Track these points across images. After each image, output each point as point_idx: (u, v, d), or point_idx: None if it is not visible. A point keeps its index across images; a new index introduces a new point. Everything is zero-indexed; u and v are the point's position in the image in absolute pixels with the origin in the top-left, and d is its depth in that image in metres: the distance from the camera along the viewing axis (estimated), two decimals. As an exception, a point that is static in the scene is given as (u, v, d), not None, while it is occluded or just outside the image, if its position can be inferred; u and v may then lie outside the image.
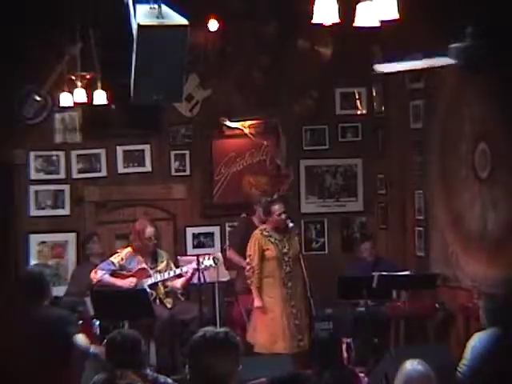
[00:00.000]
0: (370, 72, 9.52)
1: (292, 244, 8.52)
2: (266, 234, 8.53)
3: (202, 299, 8.29)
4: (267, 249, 8.47)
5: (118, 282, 8.51)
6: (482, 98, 8.24)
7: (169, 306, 8.63)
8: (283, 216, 8.45)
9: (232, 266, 9.03)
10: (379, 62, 8.99)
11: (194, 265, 8.24)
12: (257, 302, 8.43)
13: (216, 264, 8.26)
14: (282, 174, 10.26)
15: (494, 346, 5.99)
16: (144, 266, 8.62)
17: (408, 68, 7.63)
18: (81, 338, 6.18)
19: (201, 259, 8.21)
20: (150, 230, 8.66)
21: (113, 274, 8.57)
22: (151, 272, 8.58)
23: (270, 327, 8.44)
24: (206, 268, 8.22)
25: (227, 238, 9.89)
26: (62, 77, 9.30)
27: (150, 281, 8.50)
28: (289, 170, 10.32)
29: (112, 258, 8.67)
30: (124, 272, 8.58)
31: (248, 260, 8.46)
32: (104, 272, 8.54)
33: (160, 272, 8.60)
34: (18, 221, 9.90)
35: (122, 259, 8.63)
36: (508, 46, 7.00)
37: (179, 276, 8.53)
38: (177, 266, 8.71)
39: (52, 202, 10.03)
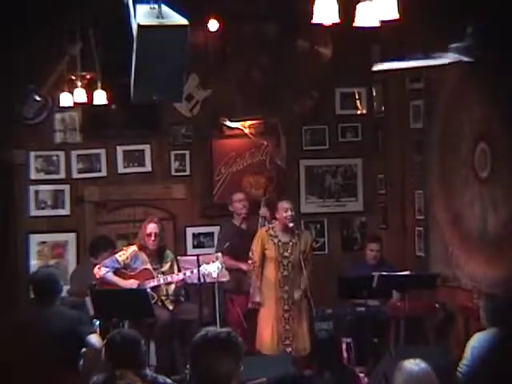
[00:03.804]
0: (370, 72, 9.53)
1: (297, 248, 8.49)
2: (271, 233, 8.57)
3: (202, 299, 8.29)
4: (267, 249, 8.53)
5: (120, 282, 8.51)
6: (482, 98, 8.23)
7: (170, 307, 8.63)
8: (289, 213, 8.45)
9: (227, 270, 9.00)
10: (379, 62, 8.99)
11: (196, 271, 8.24)
12: (255, 297, 8.54)
13: (220, 270, 8.27)
14: (266, 176, 10.23)
15: (494, 346, 5.99)
16: (148, 266, 8.62)
17: (408, 66, 7.63)
18: (95, 338, 6.18)
19: (204, 265, 8.21)
20: (151, 226, 8.67)
21: (116, 272, 8.58)
22: (155, 273, 8.58)
23: (259, 327, 8.51)
24: (210, 274, 8.22)
25: (215, 246, 9.80)
26: (62, 77, 9.30)
27: (151, 283, 8.49)
28: (272, 174, 10.30)
29: (117, 256, 8.67)
30: (127, 271, 8.59)
31: (251, 254, 8.61)
32: (108, 269, 8.55)
33: (164, 273, 8.61)
34: (17, 221, 9.90)
35: (128, 258, 8.62)
36: (508, 45, 7.00)
37: (182, 280, 8.53)
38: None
39: (52, 201, 10.03)
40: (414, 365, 4.68)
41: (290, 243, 8.52)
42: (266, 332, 8.49)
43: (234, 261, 8.96)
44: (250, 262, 8.65)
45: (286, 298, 8.52)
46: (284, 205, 8.52)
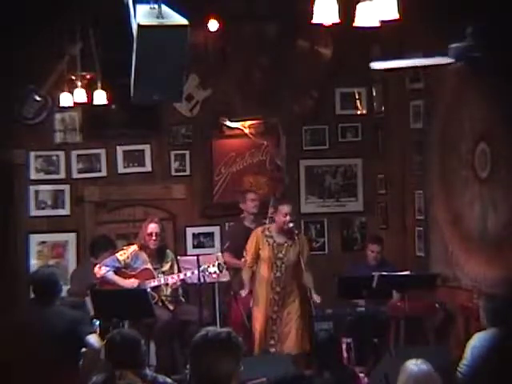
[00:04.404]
0: (370, 72, 9.52)
1: (291, 250, 8.49)
2: (267, 234, 8.56)
3: (201, 300, 8.29)
4: (261, 249, 8.53)
5: (121, 281, 8.51)
6: (482, 97, 8.24)
7: (171, 308, 8.64)
8: (288, 217, 8.45)
9: (228, 268, 9.01)
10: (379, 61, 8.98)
11: (196, 272, 8.25)
12: (243, 292, 8.59)
13: (221, 271, 8.27)
14: (276, 177, 10.25)
15: (494, 346, 5.99)
16: (148, 266, 8.63)
17: (407, 65, 7.63)
18: (93, 338, 6.19)
19: (205, 265, 8.21)
20: (152, 226, 8.67)
21: (116, 271, 8.58)
22: (155, 273, 8.58)
23: (254, 327, 8.53)
24: (211, 274, 8.22)
25: (221, 242, 9.84)
26: (62, 77, 9.30)
27: (152, 283, 8.50)
28: (283, 174, 10.32)
29: (118, 255, 8.67)
30: (128, 271, 8.59)
31: (245, 253, 8.64)
32: (108, 269, 8.55)
33: (164, 273, 8.61)
34: (17, 221, 9.90)
35: (128, 257, 8.63)
36: (508, 45, 6.99)
37: (182, 280, 8.54)
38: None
39: (52, 201, 10.03)
40: (414, 365, 4.68)
41: (285, 244, 8.52)
42: (257, 331, 8.49)
43: (235, 259, 8.97)
44: (243, 259, 8.68)
45: (277, 299, 8.51)
46: (284, 209, 8.50)
